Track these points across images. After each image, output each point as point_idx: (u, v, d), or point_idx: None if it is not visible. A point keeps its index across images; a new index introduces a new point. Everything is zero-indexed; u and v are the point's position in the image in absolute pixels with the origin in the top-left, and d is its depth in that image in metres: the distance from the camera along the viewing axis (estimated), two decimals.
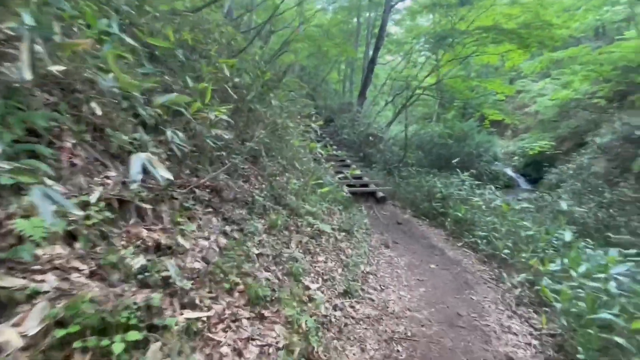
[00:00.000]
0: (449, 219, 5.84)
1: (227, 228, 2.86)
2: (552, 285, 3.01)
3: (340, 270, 3.36)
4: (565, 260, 3.41)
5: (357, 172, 6.24)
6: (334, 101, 15.67)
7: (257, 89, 4.66)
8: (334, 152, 7.79)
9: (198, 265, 2.23)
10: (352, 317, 2.72)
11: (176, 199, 2.63)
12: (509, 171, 18.70)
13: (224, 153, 3.55)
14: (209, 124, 3.13)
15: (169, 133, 2.44)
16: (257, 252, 2.85)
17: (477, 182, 7.23)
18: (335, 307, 2.75)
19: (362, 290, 3.20)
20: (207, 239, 2.54)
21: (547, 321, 2.64)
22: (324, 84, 21.82)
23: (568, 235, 3.46)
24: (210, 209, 2.87)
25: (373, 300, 3.08)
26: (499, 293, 3.50)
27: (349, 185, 7.83)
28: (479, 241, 4.68)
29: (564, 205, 5.05)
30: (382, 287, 3.44)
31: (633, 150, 12.83)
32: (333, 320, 2.58)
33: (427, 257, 4.62)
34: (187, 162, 3.19)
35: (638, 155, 12.48)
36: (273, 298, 2.40)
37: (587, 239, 4.72)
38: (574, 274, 3.21)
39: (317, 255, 3.44)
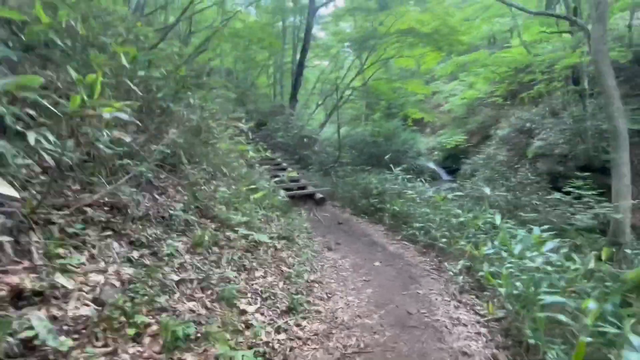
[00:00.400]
0: (386, 214, 5.86)
1: (135, 254, 2.26)
2: (490, 269, 3.05)
3: (281, 284, 2.97)
4: (497, 243, 3.54)
5: (294, 174, 5.94)
6: (265, 105, 15.16)
7: (170, 85, 4.02)
8: (268, 155, 7.35)
9: (86, 311, 1.63)
10: (299, 338, 2.35)
11: (54, 223, 1.96)
12: (432, 165, 20.29)
13: (129, 161, 2.89)
14: (102, 125, 2.48)
15: (31, 137, 1.78)
16: (177, 278, 2.31)
17: (408, 176, 7.47)
18: (278, 330, 2.35)
19: (308, 302, 2.85)
20: (103, 272, 1.94)
21: (492, 307, 2.62)
22: (254, 88, 21.13)
23: (498, 219, 3.63)
24: (109, 232, 2.24)
25: (320, 313, 2.76)
26: (442, 283, 3.48)
27: (286, 189, 7.45)
28: (417, 233, 4.71)
29: (487, 190, 5.42)
30: (329, 295, 3.15)
31: (525, 139, 14.85)
32: (277, 346, 2.18)
33: (370, 254, 4.49)
34: (77, 175, 2.49)
35: (529, 143, 14.49)
36: (199, 334, 1.91)
37: (506, 220, 5.15)
38: (504, 254, 3.34)
39: (254, 270, 3.00)
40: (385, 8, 12.36)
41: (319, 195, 7.33)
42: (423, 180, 6.74)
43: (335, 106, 11.96)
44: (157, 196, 3.22)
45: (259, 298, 2.62)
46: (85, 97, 2.05)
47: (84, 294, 1.72)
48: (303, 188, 7.76)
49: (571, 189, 8.08)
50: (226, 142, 5.14)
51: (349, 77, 15.30)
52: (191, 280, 2.40)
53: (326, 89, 16.31)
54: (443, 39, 10.34)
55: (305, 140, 10.79)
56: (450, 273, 3.53)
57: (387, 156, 9.93)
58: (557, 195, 7.89)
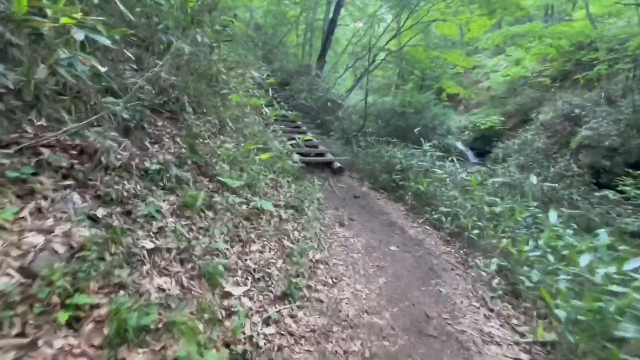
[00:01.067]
0: (409, 193, 5.24)
1: (100, 211, 1.82)
2: (531, 274, 2.46)
3: (280, 262, 2.50)
4: (541, 242, 2.90)
5: (309, 137, 5.34)
6: (291, 64, 14.21)
7: (176, 16, 3.40)
8: (287, 116, 6.73)
9: (2, 284, 1.21)
10: (291, 334, 1.91)
11: None
12: (460, 145, 19.03)
13: (114, 100, 2.39)
14: (73, 47, 1.94)
15: None
16: (150, 246, 1.87)
17: (438, 154, 6.71)
18: (267, 321, 1.91)
19: (309, 288, 2.39)
20: (48, 232, 1.51)
21: (541, 327, 2.06)
22: (282, 46, 20.00)
23: (553, 217, 2.94)
24: (69, 182, 1.79)
25: (321, 302, 2.30)
26: (469, 282, 2.92)
27: (302, 155, 6.90)
28: (443, 218, 4.10)
29: (534, 179, 4.65)
30: (334, 280, 2.68)
31: (571, 127, 13.36)
32: (262, 343, 1.74)
33: (387, 236, 3.97)
34: (44, 108, 2.02)
35: (575, 132, 13.05)
36: (159, 325, 1.48)
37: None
38: (552, 259, 2.72)
39: (250, 243, 2.54)
40: None
41: (337, 164, 6.74)
42: (454, 159, 5.97)
43: (365, 70, 10.94)
44: (147, 144, 2.74)
45: (250, 278, 2.18)
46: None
47: (9, 260, 1.30)
48: (321, 155, 7.17)
49: (622, 188, 7.06)
50: (240, 95, 4.55)
51: (383, 40, 13.96)
52: (169, 250, 1.96)
53: (358, 51, 15.03)
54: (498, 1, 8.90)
55: (329, 104, 10.01)
56: (483, 273, 2.96)
57: (416, 129, 9.08)
58: (605, 192, 6.93)
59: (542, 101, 16.73)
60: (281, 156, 4.70)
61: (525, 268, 2.74)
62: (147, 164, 2.39)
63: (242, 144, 4.13)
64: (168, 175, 2.52)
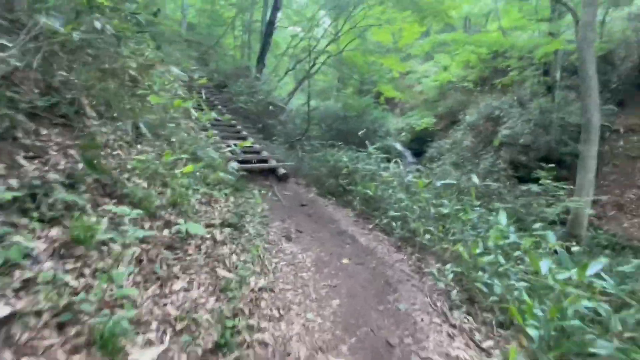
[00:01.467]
0: (357, 198, 5.05)
1: None
2: (493, 285, 2.34)
3: (213, 300, 2.01)
4: (490, 244, 2.85)
5: (249, 143, 4.85)
6: (229, 66, 13.39)
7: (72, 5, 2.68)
8: (223, 119, 6.13)
9: None
10: None
11: None
12: (398, 146, 19.95)
13: None
14: None
15: None
16: (4, 312, 1.27)
17: (383, 156, 6.69)
18: None
19: (250, 328, 1.94)
20: None
21: (512, 349, 1.88)
22: (219, 47, 18.94)
23: (503, 218, 2.91)
24: None
25: (266, 346, 1.87)
26: (425, 293, 2.74)
27: (244, 162, 6.35)
28: (393, 223, 3.95)
29: (475, 179, 4.77)
30: (282, 312, 2.26)
31: (492, 127, 14.76)
32: None
33: (338, 247, 3.67)
34: None
35: (496, 131, 14.44)
36: None
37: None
38: (503, 261, 2.66)
39: (171, 281, 2.00)
40: None
41: (282, 171, 6.31)
42: (398, 161, 5.97)
43: (307, 73, 10.70)
44: (21, 161, 2.04)
45: (169, 331, 1.66)
46: None
47: None
48: (264, 161, 6.68)
49: (540, 181, 7.78)
50: (162, 96, 3.87)
51: (323, 43, 13.93)
52: (39, 312, 1.37)
53: (298, 54, 14.81)
54: (429, 7, 9.36)
55: (271, 108, 9.54)
56: (439, 283, 2.80)
57: (361, 132, 9.07)
58: (529, 186, 7.58)
59: (468, 104, 18.27)
60: (216, 166, 4.14)
61: (480, 273, 2.64)
62: (17, 189, 1.72)
63: (170, 154, 3.50)
64: (50, 201, 1.87)
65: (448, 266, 2.91)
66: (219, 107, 9.69)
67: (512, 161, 12.62)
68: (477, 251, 2.81)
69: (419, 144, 19.76)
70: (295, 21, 16.59)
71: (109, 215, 2.16)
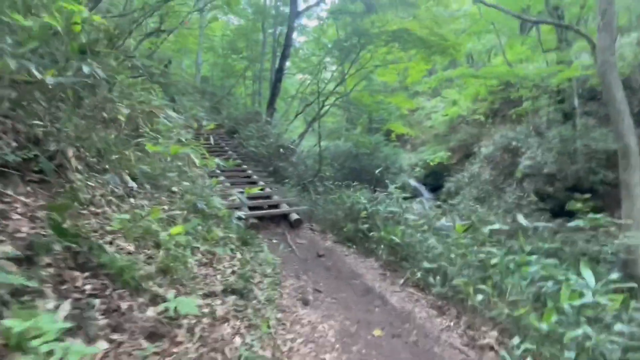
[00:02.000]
0: (381, 245, 4.42)
1: None
2: None
3: None
4: (566, 306, 2.16)
5: (258, 189, 4.43)
6: (239, 112, 13.60)
7: (55, 45, 2.45)
8: (229, 165, 5.79)
9: None
10: None
11: None
12: (413, 182, 19.38)
13: None
14: None
15: None
16: None
17: (405, 196, 6.14)
18: None
19: None
20: None
21: None
22: (231, 97, 19.64)
23: (590, 277, 2.23)
24: None
25: None
26: None
27: (254, 209, 5.89)
28: (431, 278, 3.28)
29: (522, 220, 4.12)
30: None
31: (510, 158, 14.16)
32: None
33: (365, 312, 3.00)
34: None
35: (515, 162, 13.81)
36: None
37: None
38: (588, 330, 1.97)
39: None
40: (371, 12, 11.32)
41: (294, 216, 5.79)
42: (423, 201, 5.39)
43: (316, 114, 10.61)
44: None
45: None
46: None
47: None
48: (275, 206, 6.21)
49: (578, 213, 6.96)
50: (164, 143, 3.54)
51: (330, 86, 14.15)
52: None
53: (306, 97, 15.05)
54: (436, 45, 9.35)
55: (281, 150, 9.31)
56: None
57: (378, 170, 8.64)
58: (575, 222, 6.78)
59: (480, 136, 17.86)
60: (222, 217, 3.67)
61: (566, 354, 1.94)
62: None
63: (164, 206, 3.06)
64: None
65: (515, 340, 2.21)
66: (229, 152, 9.53)
67: (538, 192, 11.81)
68: (553, 319, 2.12)
69: (434, 178, 19.15)
70: (303, 67, 17.15)
71: (73, 297, 1.65)
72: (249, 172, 8.14)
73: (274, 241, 4.88)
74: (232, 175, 7.69)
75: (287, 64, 14.36)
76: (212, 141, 6.42)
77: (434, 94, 23.39)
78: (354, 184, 7.02)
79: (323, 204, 6.53)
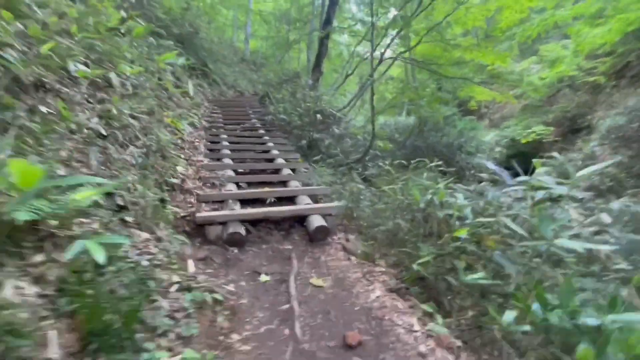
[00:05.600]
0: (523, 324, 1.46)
1: None
2: None
3: None
4: None
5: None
6: (276, 75, 11.04)
7: None
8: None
9: None
10: None
11: None
12: (491, 164, 15.09)
13: None
14: None
15: None
16: None
17: (522, 192, 2.95)
18: None
19: None
20: None
21: None
22: (280, 66, 17.35)
23: None
24: None
25: None
26: None
27: (249, 202, 3.32)
28: None
29: None
30: None
31: None
32: None
33: None
34: None
35: None
36: None
37: None
38: None
39: None
40: None
41: (316, 222, 3.03)
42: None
43: (371, 71, 7.47)
44: None
45: None
46: None
47: None
48: (289, 200, 3.54)
49: None
50: None
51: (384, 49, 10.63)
52: None
53: (360, 58, 11.80)
54: None
55: (318, 117, 6.51)
56: None
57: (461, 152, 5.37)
58: None
59: (595, 104, 12.77)
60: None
61: None
62: None
63: None
64: None
65: None
66: (253, 120, 7.07)
67: None
68: None
69: (522, 160, 14.58)
70: (352, 25, 13.59)
71: None
72: (270, 144, 5.55)
73: (266, 278, 2.25)
74: (240, 149, 5.19)
75: (335, 16, 11.14)
76: (191, 93, 3.94)
77: (524, 55, 18.00)
78: (434, 164, 3.94)
79: (370, 197, 3.63)
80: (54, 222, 1.37)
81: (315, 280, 2.38)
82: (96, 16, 3.03)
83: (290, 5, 18.68)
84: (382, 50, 8.51)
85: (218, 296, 1.87)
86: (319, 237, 2.99)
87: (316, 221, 3.03)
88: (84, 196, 1.48)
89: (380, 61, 8.42)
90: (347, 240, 3.03)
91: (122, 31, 3.40)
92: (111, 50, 3.00)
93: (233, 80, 12.08)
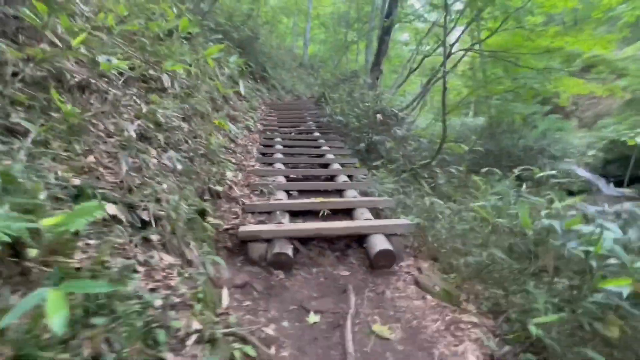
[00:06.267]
0: None
1: None
2: None
3: None
4: None
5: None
6: (334, 76, 10.60)
7: None
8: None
9: None
10: None
11: None
12: (582, 171, 12.61)
13: None
14: None
15: None
16: None
17: None
18: None
19: None
20: None
21: None
22: (339, 69, 17.04)
23: None
24: None
25: None
26: None
27: (299, 215, 2.84)
28: None
29: None
30: None
31: None
32: None
33: None
34: None
35: None
36: None
37: None
38: None
39: None
40: None
41: (379, 245, 2.40)
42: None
43: (444, 59, 6.52)
44: None
45: None
46: None
47: None
48: (347, 213, 2.98)
49: None
50: None
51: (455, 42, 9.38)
52: None
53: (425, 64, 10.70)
54: None
55: (379, 117, 5.82)
56: None
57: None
58: None
59: None
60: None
61: None
62: None
63: None
64: None
65: None
66: (309, 122, 6.68)
67: None
68: None
69: (623, 166, 12.16)
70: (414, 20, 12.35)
71: None
72: (325, 148, 5.06)
73: (310, 320, 1.73)
74: (294, 152, 4.79)
75: (396, 13, 10.24)
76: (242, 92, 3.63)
77: (627, 41, 14.82)
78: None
79: (450, 215, 2.84)
80: (34, 251, 1.00)
81: (379, 328, 1.76)
82: (148, 14, 2.85)
83: (349, 6, 18.34)
84: (452, 42, 7.44)
85: (250, 350, 1.38)
86: (382, 264, 2.36)
87: (379, 243, 2.40)
88: (85, 212, 1.10)
89: (449, 55, 7.35)
90: (420, 270, 2.33)
91: (177, 31, 3.20)
92: (160, 49, 2.78)
93: (291, 85, 12.02)
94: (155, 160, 2.22)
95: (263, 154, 4.45)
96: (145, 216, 1.63)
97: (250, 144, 4.60)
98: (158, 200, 1.81)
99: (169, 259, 1.56)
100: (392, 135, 6.06)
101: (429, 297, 2.06)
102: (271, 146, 4.81)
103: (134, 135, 2.22)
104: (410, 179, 4.76)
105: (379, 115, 5.87)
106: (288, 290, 2.08)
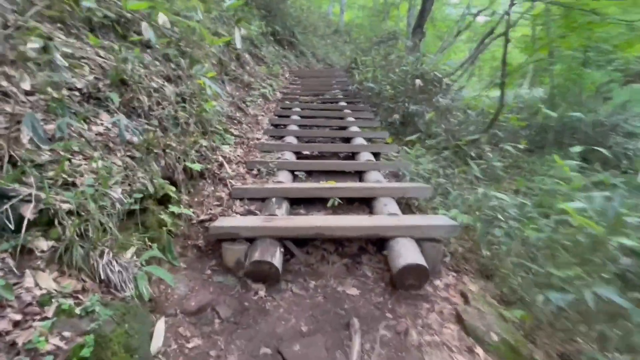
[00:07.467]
0: None
1: None
2: None
3: None
4: None
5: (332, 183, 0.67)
6: (368, 39, 9.25)
7: None
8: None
9: None
10: None
11: None
12: None
13: None
14: None
15: None
16: None
17: None
18: None
19: None
20: None
21: None
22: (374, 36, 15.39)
23: None
24: None
25: None
26: None
27: (299, 201, 2.12)
28: None
29: None
30: None
31: None
32: None
33: None
34: None
35: None
36: None
37: None
38: None
39: None
40: None
41: (407, 255, 1.63)
42: None
43: (510, 4, 5.08)
44: None
45: None
46: None
47: None
48: (367, 203, 2.20)
49: None
50: None
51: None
52: None
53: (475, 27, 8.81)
54: None
55: (418, 82, 4.72)
56: None
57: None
58: None
59: None
60: None
61: None
62: None
63: None
64: None
65: None
66: (335, 90, 5.76)
67: None
68: None
69: None
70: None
71: None
72: (350, 119, 4.18)
73: None
74: (312, 124, 3.99)
75: None
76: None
77: None
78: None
79: (519, 216, 1.93)
80: None
81: None
82: None
83: None
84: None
85: None
86: (409, 283, 1.59)
87: (405, 252, 1.62)
88: None
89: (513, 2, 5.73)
90: (465, 297, 1.53)
91: None
92: None
93: (324, 53, 10.88)
94: (100, 129, 1.59)
95: (275, 125, 3.72)
96: (26, 213, 1.01)
97: (263, 114, 3.89)
98: (73, 185, 1.18)
99: (50, 284, 0.94)
100: (434, 105, 4.96)
101: (479, 351, 1.27)
102: (287, 117, 4.05)
103: (76, 93, 1.60)
104: (454, 158, 3.77)
105: (418, 81, 4.76)
106: (267, 316, 1.42)
